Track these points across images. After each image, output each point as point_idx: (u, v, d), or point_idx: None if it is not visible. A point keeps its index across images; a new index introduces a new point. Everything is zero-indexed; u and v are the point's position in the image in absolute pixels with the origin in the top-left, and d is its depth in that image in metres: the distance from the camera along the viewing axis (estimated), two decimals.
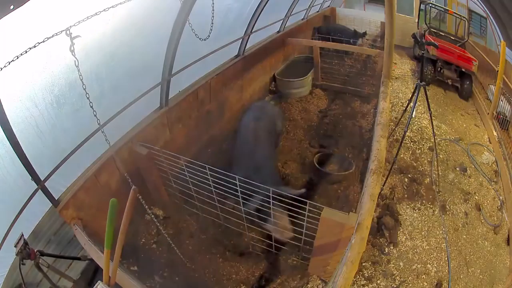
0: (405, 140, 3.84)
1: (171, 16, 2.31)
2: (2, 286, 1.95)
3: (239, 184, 2.13)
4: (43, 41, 1.53)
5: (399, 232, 2.88)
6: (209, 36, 2.52)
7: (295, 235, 2.29)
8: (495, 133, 4.25)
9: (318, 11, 7.21)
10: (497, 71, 4.28)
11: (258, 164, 2.69)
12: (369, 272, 2.54)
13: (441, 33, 6.03)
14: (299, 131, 4.20)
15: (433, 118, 3.26)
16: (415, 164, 3.62)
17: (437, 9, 6.08)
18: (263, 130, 3.03)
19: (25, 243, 1.72)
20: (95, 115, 1.81)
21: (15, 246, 1.71)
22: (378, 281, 2.48)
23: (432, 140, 3.68)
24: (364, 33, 6.52)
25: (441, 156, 3.80)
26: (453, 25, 5.99)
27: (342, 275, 1.47)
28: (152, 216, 2.23)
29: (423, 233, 2.92)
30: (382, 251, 2.70)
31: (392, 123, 4.00)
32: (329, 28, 6.61)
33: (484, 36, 5.39)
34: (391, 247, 2.75)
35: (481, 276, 2.69)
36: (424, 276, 2.58)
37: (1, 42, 1.50)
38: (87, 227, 2.12)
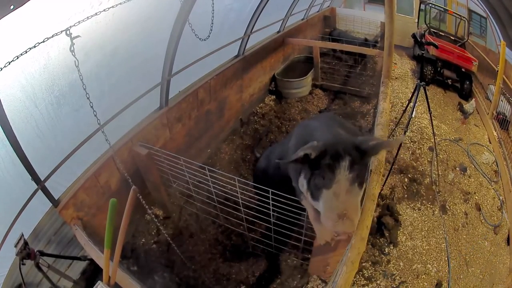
0: (405, 140, 3.84)
1: (171, 16, 2.31)
2: (2, 286, 1.95)
3: (239, 185, 2.13)
4: (43, 41, 1.53)
5: (399, 232, 2.88)
6: (209, 36, 2.52)
7: (296, 235, 2.27)
8: (495, 133, 4.25)
9: (318, 11, 7.20)
10: (497, 71, 4.28)
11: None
12: (369, 272, 2.53)
13: (441, 33, 6.01)
14: None
15: (433, 118, 3.26)
16: (415, 164, 3.62)
17: (437, 9, 6.07)
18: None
19: (25, 243, 1.72)
20: (95, 115, 1.81)
21: (15, 246, 1.70)
22: (378, 281, 2.48)
23: (432, 140, 3.68)
24: (376, 42, 5.95)
25: (441, 156, 3.80)
26: (453, 25, 5.98)
27: (342, 275, 1.46)
28: (152, 216, 2.23)
29: (423, 233, 2.92)
30: (382, 251, 2.70)
31: (392, 123, 3.99)
32: (334, 34, 6.41)
33: (484, 36, 5.38)
34: (391, 247, 2.74)
35: (481, 276, 2.69)
36: (424, 276, 2.58)
37: (1, 42, 1.50)
38: (87, 227, 2.12)
